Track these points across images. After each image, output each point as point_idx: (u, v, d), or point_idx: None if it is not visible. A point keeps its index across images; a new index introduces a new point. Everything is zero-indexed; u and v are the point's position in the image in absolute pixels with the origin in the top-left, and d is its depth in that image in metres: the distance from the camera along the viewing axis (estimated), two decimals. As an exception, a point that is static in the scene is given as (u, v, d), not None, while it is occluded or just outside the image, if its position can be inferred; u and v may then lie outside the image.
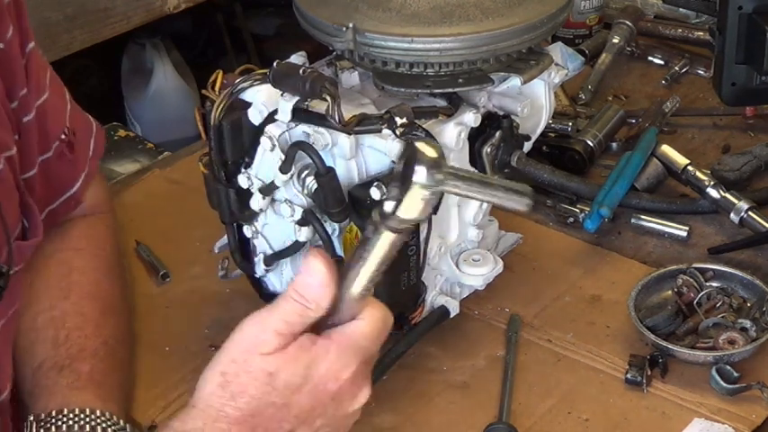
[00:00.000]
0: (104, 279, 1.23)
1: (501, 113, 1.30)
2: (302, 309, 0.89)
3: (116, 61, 2.79)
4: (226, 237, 1.32)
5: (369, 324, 0.91)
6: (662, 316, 1.29)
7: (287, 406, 0.90)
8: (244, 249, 1.32)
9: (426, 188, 0.82)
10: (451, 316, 1.30)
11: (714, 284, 1.35)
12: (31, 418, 1.06)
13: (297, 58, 1.29)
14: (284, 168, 1.19)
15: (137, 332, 1.32)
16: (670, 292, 1.34)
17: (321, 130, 1.19)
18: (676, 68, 1.86)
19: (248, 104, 1.24)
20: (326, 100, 1.15)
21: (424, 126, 1.19)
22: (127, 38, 2.61)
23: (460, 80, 1.23)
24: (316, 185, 1.18)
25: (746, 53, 1.39)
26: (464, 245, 1.33)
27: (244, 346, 0.90)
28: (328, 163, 1.17)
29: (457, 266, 1.31)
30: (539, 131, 1.38)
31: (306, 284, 0.89)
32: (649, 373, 1.24)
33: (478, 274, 1.30)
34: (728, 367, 1.23)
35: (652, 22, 1.96)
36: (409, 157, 0.82)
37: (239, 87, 1.23)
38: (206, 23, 2.91)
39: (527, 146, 1.37)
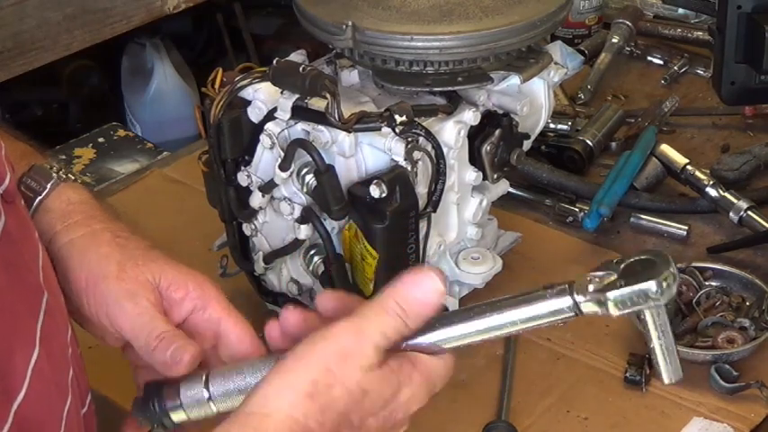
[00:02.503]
0: None
1: (500, 112, 1.30)
2: (402, 325, 0.83)
3: (116, 61, 2.79)
4: (225, 235, 1.32)
5: (445, 368, 0.87)
6: (661, 315, 1.29)
7: (359, 429, 0.84)
8: (243, 247, 1.32)
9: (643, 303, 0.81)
10: (451, 314, 1.30)
11: (713, 283, 1.35)
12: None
13: (296, 57, 1.29)
14: (284, 166, 1.19)
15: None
16: (669, 291, 1.34)
17: (321, 127, 1.19)
18: (675, 68, 1.86)
19: (248, 102, 1.24)
20: (326, 98, 1.15)
21: (423, 124, 1.19)
22: (127, 38, 2.61)
23: (460, 78, 1.23)
24: (315, 183, 1.18)
25: (746, 52, 1.39)
26: (463, 243, 1.33)
27: (341, 356, 0.82)
28: (328, 161, 1.17)
29: (456, 265, 1.31)
30: (538, 130, 1.38)
31: (412, 299, 0.83)
32: (648, 372, 1.24)
33: (478, 273, 1.30)
34: (727, 366, 1.23)
35: (651, 21, 1.96)
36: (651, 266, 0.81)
37: (239, 85, 1.23)
38: (206, 23, 2.91)
39: (526, 144, 1.37)
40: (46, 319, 0.81)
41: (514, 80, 1.29)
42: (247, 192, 1.25)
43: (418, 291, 0.83)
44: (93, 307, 0.94)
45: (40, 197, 0.98)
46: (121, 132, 2.24)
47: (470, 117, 1.25)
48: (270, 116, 1.22)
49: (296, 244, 1.25)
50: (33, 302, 0.81)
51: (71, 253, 0.95)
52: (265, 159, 1.23)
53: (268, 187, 1.23)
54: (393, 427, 0.86)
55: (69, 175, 1.01)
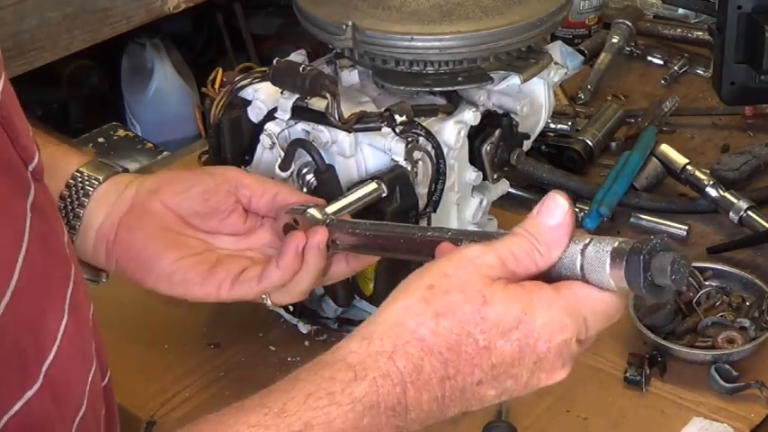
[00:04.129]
0: None
1: (500, 112, 1.30)
2: (531, 248, 0.78)
3: (116, 61, 2.79)
4: (225, 235, 1.32)
5: (604, 300, 0.79)
6: (661, 315, 1.29)
7: (488, 349, 0.77)
8: (243, 247, 1.32)
9: None
10: (451, 314, 1.30)
11: (713, 283, 1.35)
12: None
13: (296, 57, 1.29)
14: (284, 166, 1.19)
15: (136, 330, 1.32)
16: (669, 291, 1.34)
17: (321, 127, 1.19)
18: (675, 68, 1.86)
19: (248, 102, 1.24)
20: (326, 98, 1.16)
21: (423, 124, 1.19)
22: (127, 38, 2.61)
23: (460, 78, 1.23)
24: (315, 183, 1.18)
25: (746, 52, 1.39)
26: (463, 243, 1.33)
27: (462, 262, 0.78)
28: (328, 161, 1.17)
29: (456, 265, 1.31)
30: (538, 130, 1.38)
31: (540, 225, 0.79)
32: (648, 372, 1.24)
33: (478, 273, 1.30)
34: (727, 366, 1.23)
35: (651, 21, 1.96)
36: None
37: (239, 85, 1.23)
38: (206, 23, 2.90)
39: (526, 144, 1.37)
40: (74, 290, 0.83)
41: (514, 80, 1.29)
42: (247, 192, 1.25)
43: (543, 216, 0.79)
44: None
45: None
46: (121, 132, 2.24)
47: (470, 117, 1.25)
48: (270, 116, 1.22)
49: (296, 244, 1.24)
50: (64, 272, 0.83)
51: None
52: (265, 159, 1.23)
53: (268, 187, 1.23)
54: (538, 362, 0.79)
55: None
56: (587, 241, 0.80)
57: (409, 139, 1.17)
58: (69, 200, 1.07)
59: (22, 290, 0.73)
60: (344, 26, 1.23)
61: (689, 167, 1.51)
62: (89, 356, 0.86)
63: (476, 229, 0.84)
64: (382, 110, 1.18)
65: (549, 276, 0.81)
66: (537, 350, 0.78)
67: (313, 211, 1.05)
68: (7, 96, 0.79)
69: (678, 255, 0.78)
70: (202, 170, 1.12)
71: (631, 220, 1.50)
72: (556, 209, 0.79)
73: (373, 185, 1.14)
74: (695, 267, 1.35)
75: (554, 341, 0.78)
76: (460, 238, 0.85)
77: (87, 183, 1.08)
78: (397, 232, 0.95)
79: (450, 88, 1.24)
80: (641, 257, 0.77)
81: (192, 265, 1.05)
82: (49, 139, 1.07)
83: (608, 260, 0.78)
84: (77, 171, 1.08)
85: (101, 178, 1.08)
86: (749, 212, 1.45)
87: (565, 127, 1.63)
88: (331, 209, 1.06)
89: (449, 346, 0.76)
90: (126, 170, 1.13)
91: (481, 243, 0.80)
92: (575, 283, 0.79)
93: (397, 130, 1.16)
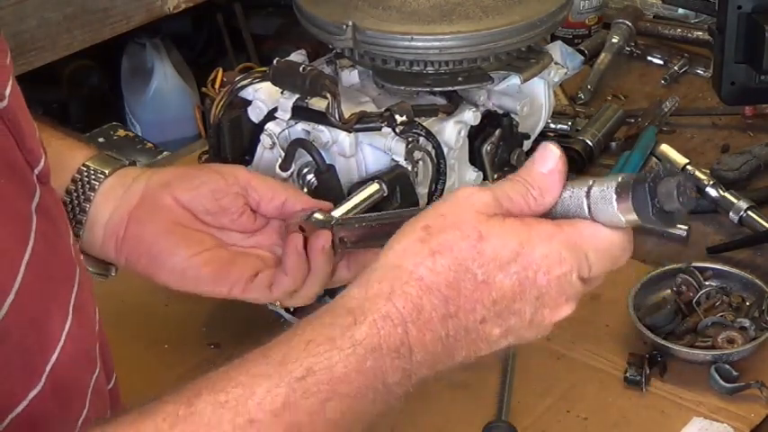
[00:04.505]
0: None
1: (500, 112, 1.30)
2: (525, 191, 0.78)
3: (116, 61, 2.79)
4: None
5: (608, 239, 0.79)
6: (661, 315, 1.29)
7: (487, 284, 0.77)
8: (243, 247, 1.32)
9: None
10: (451, 314, 1.30)
11: (713, 283, 1.35)
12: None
13: (297, 57, 1.29)
14: (284, 166, 1.19)
15: (136, 330, 1.32)
16: (669, 291, 1.34)
17: (321, 127, 1.19)
18: (675, 68, 1.86)
19: (248, 102, 1.24)
20: (326, 98, 1.16)
21: (423, 124, 1.20)
22: (127, 38, 2.61)
23: (460, 78, 1.23)
24: (316, 183, 1.18)
25: (746, 52, 1.39)
26: (463, 243, 1.33)
27: (457, 201, 0.78)
28: (328, 161, 1.17)
29: (456, 265, 1.31)
30: (538, 130, 1.38)
31: (533, 171, 0.79)
32: (648, 372, 1.24)
33: (478, 273, 1.30)
34: (727, 366, 1.23)
35: (651, 21, 1.96)
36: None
37: (239, 85, 1.23)
38: (206, 23, 2.91)
39: (527, 144, 1.37)
40: (78, 291, 0.83)
41: (514, 80, 1.29)
42: (248, 192, 1.25)
43: (537, 164, 0.79)
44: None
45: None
46: (121, 132, 2.24)
47: (470, 117, 1.25)
48: (270, 116, 1.22)
49: (296, 244, 1.24)
50: (68, 273, 0.83)
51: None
52: (266, 159, 1.23)
53: (268, 187, 1.23)
54: (540, 297, 0.78)
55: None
56: (591, 183, 0.80)
57: (409, 139, 1.18)
58: (75, 194, 1.07)
59: (27, 290, 0.74)
60: (344, 26, 1.23)
61: (689, 167, 1.52)
62: (93, 358, 0.87)
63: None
64: (382, 110, 1.18)
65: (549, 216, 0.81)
66: (537, 283, 0.78)
67: (318, 216, 1.05)
68: (15, 100, 0.80)
69: (682, 177, 0.78)
70: (212, 168, 1.12)
71: (631, 220, 1.50)
72: (549, 157, 0.80)
73: (375, 186, 1.15)
74: (695, 267, 1.35)
75: (553, 273, 0.78)
76: None
77: (93, 177, 1.08)
78: (403, 216, 0.95)
79: (450, 88, 1.25)
80: (647, 185, 0.77)
81: (204, 262, 1.05)
82: (55, 133, 1.07)
83: (614, 195, 0.78)
84: (83, 165, 1.08)
85: (107, 172, 1.08)
86: (749, 212, 1.45)
87: (565, 127, 1.63)
88: (336, 213, 1.06)
89: (448, 284, 0.76)
90: (133, 162, 1.12)
91: (477, 187, 0.80)
92: (580, 222, 0.79)
93: (398, 130, 1.16)
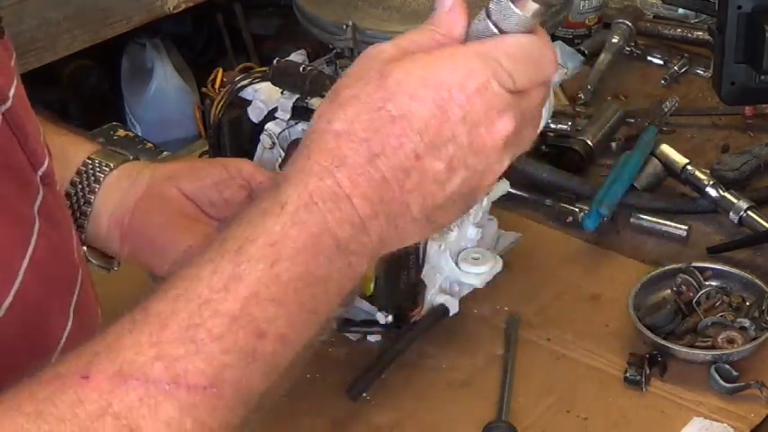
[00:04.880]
0: None
1: (500, 112, 1.30)
2: (431, 32, 0.76)
3: (116, 61, 2.79)
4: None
5: (516, 40, 0.75)
6: (661, 315, 1.30)
7: (404, 117, 0.73)
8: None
9: None
10: (451, 314, 1.30)
11: (713, 283, 1.35)
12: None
13: (297, 57, 1.29)
14: (284, 166, 1.19)
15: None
16: (669, 291, 1.34)
17: (321, 127, 1.19)
18: (675, 68, 1.86)
19: (248, 102, 1.24)
20: (326, 98, 1.15)
21: (423, 124, 1.19)
22: (127, 38, 2.61)
23: (460, 78, 1.23)
24: (315, 183, 1.18)
25: (746, 52, 1.39)
26: (463, 243, 1.33)
27: (360, 59, 0.76)
28: (328, 161, 1.17)
29: (456, 265, 1.31)
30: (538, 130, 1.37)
31: (435, 15, 0.77)
32: (648, 371, 1.24)
33: (478, 273, 1.30)
34: (727, 366, 1.23)
35: (651, 21, 1.96)
36: None
37: (239, 85, 1.23)
38: (206, 23, 2.90)
39: (526, 144, 1.36)
40: (80, 293, 0.83)
41: (514, 80, 1.28)
42: (248, 192, 1.25)
43: (438, 6, 0.78)
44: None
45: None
46: (121, 132, 2.23)
47: (470, 117, 1.25)
48: (270, 116, 1.22)
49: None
50: (70, 276, 0.83)
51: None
52: (266, 159, 1.23)
53: (268, 187, 1.23)
54: (466, 117, 0.74)
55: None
56: (488, 5, 0.78)
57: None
58: (80, 186, 1.07)
59: (26, 293, 0.74)
60: (344, 26, 1.23)
61: (689, 167, 1.51)
62: None
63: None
64: (382, 110, 1.18)
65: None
66: (456, 102, 0.73)
67: None
68: (19, 101, 0.80)
69: None
70: (217, 161, 1.12)
71: (631, 220, 1.50)
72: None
73: None
74: (695, 267, 1.35)
75: (469, 87, 0.73)
76: None
77: (98, 169, 1.08)
78: None
79: (450, 88, 1.24)
80: None
81: None
82: (58, 129, 1.07)
83: None
84: (88, 158, 1.09)
85: (112, 165, 1.09)
86: (749, 212, 1.45)
87: (565, 127, 1.62)
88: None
89: (363, 128, 0.73)
90: (137, 158, 1.13)
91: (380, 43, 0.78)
92: (486, 39, 0.76)
93: (398, 131, 1.16)
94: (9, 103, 0.78)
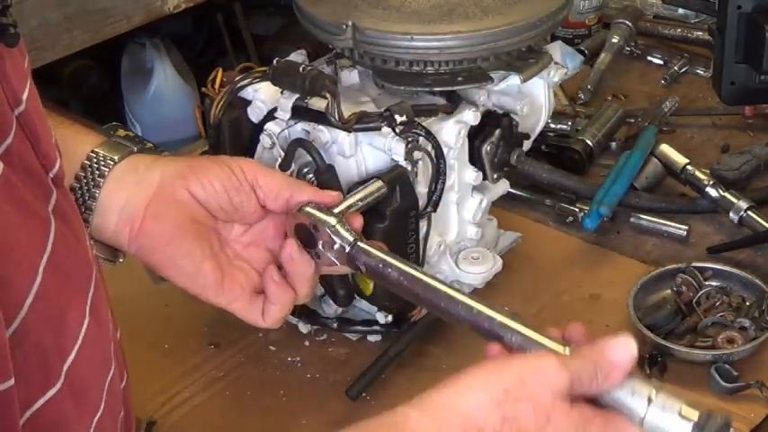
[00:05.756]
0: None
1: (500, 112, 1.30)
2: (594, 376, 0.85)
3: (116, 61, 2.79)
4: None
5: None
6: (661, 315, 1.30)
7: None
8: (243, 247, 1.32)
9: None
10: (451, 314, 1.30)
11: (713, 283, 1.35)
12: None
13: (297, 56, 1.29)
14: (284, 166, 1.19)
15: (137, 331, 1.32)
16: (669, 291, 1.34)
17: (321, 127, 1.19)
18: (675, 68, 1.86)
19: (248, 102, 1.24)
20: (326, 98, 1.16)
21: (423, 124, 1.20)
22: (127, 38, 2.60)
23: (460, 78, 1.23)
24: (315, 183, 1.18)
25: (746, 52, 1.40)
26: (463, 243, 1.33)
27: (537, 374, 0.84)
28: (328, 161, 1.17)
29: (456, 265, 1.31)
30: (538, 130, 1.38)
31: (608, 360, 0.86)
32: (648, 371, 1.24)
33: (478, 273, 1.30)
34: (727, 366, 1.23)
35: (651, 21, 1.97)
36: None
37: (239, 85, 1.23)
38: (206, 23, 2.90)
39: (526, 144, 1.37)
40: (95, 292, 0.84)
41: (514, 80, 1.29)
42: (247, 192, 1.25)
43: (615, 351, 0.86)
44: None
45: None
46: (121, 132, 2.21)
47: (470, 117, 1.25)
48: (270, 116, 1.22)
49: (296, 244, 1.24)
50: (86, 274, 0.84)
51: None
52: (266, 159, 1.23)
53: (268, 187, 1.23)
54: None
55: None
56: (652, 393, 0.86)
57: (409, 139, 1.18)
58: (85, 180, 1.07)
59: (45, 292, 0.74)
60: (344, 26, 1.23)
61: (689, 167, 1.51)
62: (108, 358, 0.87)
63: (509, 313, 0.90)
64: (382, 110, 1.18)
65: (602, 400, 0.86)
66: None
67: (309, 210, 1.05)
68: (32, 104, 0.80)
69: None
70: (222, 160, 1.11)
71: (631, 220, 1.50)
72: (625, 355, 0.87)
73: (378, 183, 1.14)
74: (695, 267, 1.36)
75: None
76: (513, 332, 0.90)
77: (103, 163, 1.08)
78: (439, 295, 0.96)
79: (450, 88, 1.25)
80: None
81: (211, 270, 1.06)
82: (62, 120, 1.07)
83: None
84: (92, 152, 1.08)
85: (116, 158, 1.08)
86: (749, 212, 1.45)
87: (565, 127, 1.63)
88: (338, 208, 1.06)
89: None
90: (142, 148, 1.12)
91: (554, 355, 0.86)
92: (620, 420, 0.85)
93: (397, 130, 1.16)
94: (23, 107, 0.78)
